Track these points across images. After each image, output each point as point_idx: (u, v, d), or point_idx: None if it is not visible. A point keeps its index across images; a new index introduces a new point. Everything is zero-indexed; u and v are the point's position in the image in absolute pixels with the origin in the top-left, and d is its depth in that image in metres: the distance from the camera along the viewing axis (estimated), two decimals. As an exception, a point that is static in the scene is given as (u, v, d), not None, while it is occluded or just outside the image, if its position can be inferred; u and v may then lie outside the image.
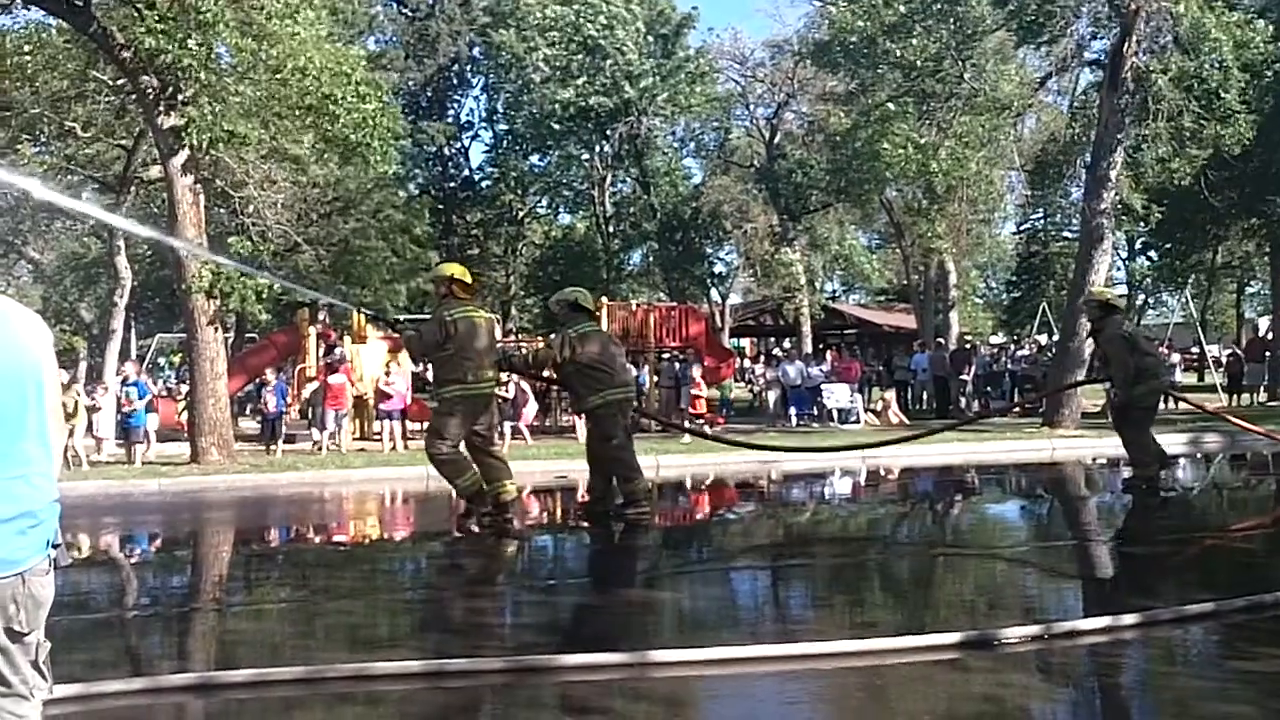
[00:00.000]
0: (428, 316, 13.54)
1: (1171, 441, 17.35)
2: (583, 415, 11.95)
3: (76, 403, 18.28)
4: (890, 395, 26.33)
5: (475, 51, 50.01)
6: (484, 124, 52.58)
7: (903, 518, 12.56)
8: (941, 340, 31.54)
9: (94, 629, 6.83)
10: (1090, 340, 14.12)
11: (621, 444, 10.84)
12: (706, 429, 20.79)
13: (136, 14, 16.07)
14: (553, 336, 12.40)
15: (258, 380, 22.00)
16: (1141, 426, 12.06)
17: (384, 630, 7.00)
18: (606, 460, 10.93)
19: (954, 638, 5.77)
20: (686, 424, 20.58)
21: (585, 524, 11.21)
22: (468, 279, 10.87)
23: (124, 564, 10.12)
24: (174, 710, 5.21)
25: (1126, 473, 12.80)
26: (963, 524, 12.08)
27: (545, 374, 12.98)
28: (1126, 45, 21.60)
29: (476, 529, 10.41)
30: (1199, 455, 18.15)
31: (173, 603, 8.17)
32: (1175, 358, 28.35)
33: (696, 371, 23.20)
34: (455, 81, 52.12)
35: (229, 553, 10.77)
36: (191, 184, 17.41)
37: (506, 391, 21.14)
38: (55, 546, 2.95)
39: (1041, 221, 52.04)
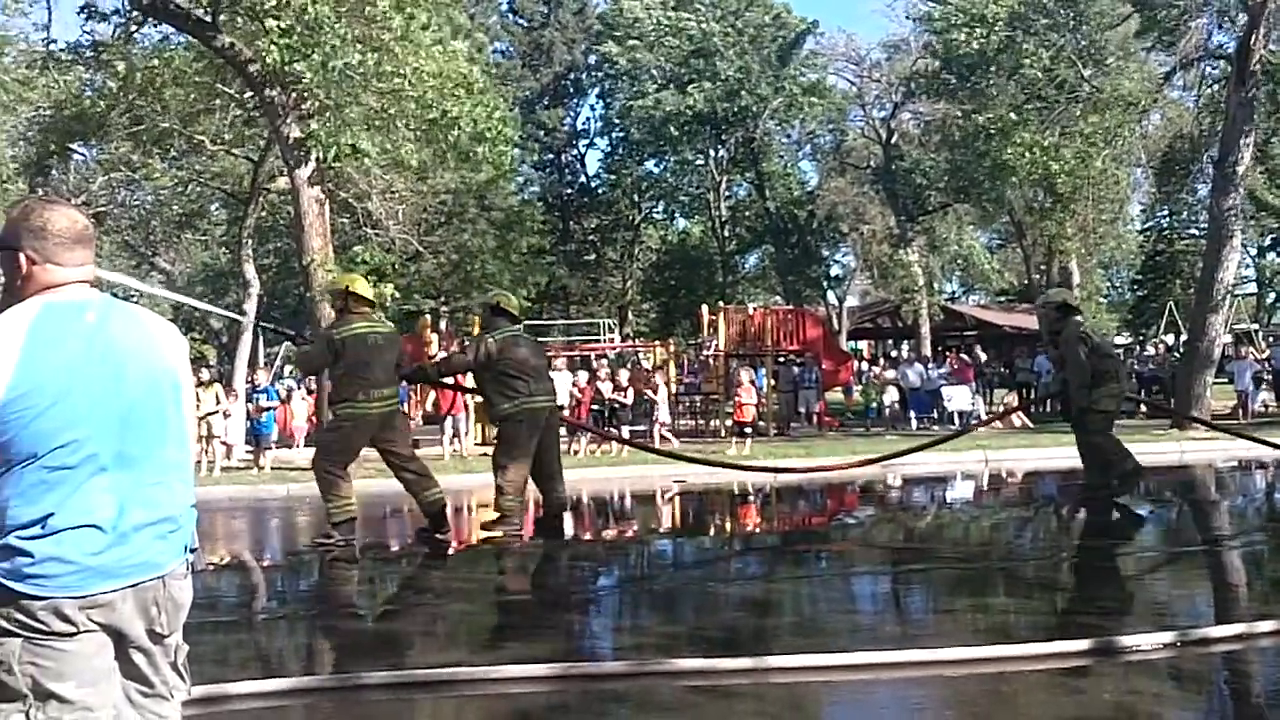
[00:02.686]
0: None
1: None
2: (495, 422, 11.48)
3: (217, 396, 18.87)
4: (1012, 398, 25.90)
5: (590, 59, 50.40)
6: (600, 132, 52.96)
7: (1026, 522, 12.35)
8: (1065, 341, 30.89)
9: (239, 630, 7.03)
10: (1052, 343, 13.28)
11: (515, 455, 10.39)
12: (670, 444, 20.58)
13: (262, 28, 16.48)
14: (468, 341, 12.10)
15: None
16: (1105, 433, 11.53)
17: (497, 632, 7.07)
18: (493, 464, 10.59)
19: (1082, 644, 5.67)
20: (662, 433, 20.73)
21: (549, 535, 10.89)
22: (366, 292, 10.27)
23: (268, 568, 10.37)
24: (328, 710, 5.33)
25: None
26: (1089, 528, 11.83)
27: (458, 381, 12.65)
28: (1254, 38, 21.01)
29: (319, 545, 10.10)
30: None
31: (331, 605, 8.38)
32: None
33: (745, 376, 22.74)
34: (571, 89, 52.57)
35: (356, 556, 10.92)
36: (317, 195, 17.79)
37: (625, 397, 21.23)
38: (193, 551, 3.04)
39: (1168, 219, 50.79)
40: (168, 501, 2.91)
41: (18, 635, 2.64)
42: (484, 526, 10.65)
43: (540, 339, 34.99)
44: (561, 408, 20.04)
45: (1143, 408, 22.72)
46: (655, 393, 21.51)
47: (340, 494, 9.92)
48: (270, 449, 19.29)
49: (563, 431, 20.08)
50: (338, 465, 10.00)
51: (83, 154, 28.74)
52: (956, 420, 23.96)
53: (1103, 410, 11.44)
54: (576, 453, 19.79)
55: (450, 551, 10.51)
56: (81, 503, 2.70)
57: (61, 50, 20.82)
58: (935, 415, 24.69)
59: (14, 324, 2.73)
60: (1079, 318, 12.05)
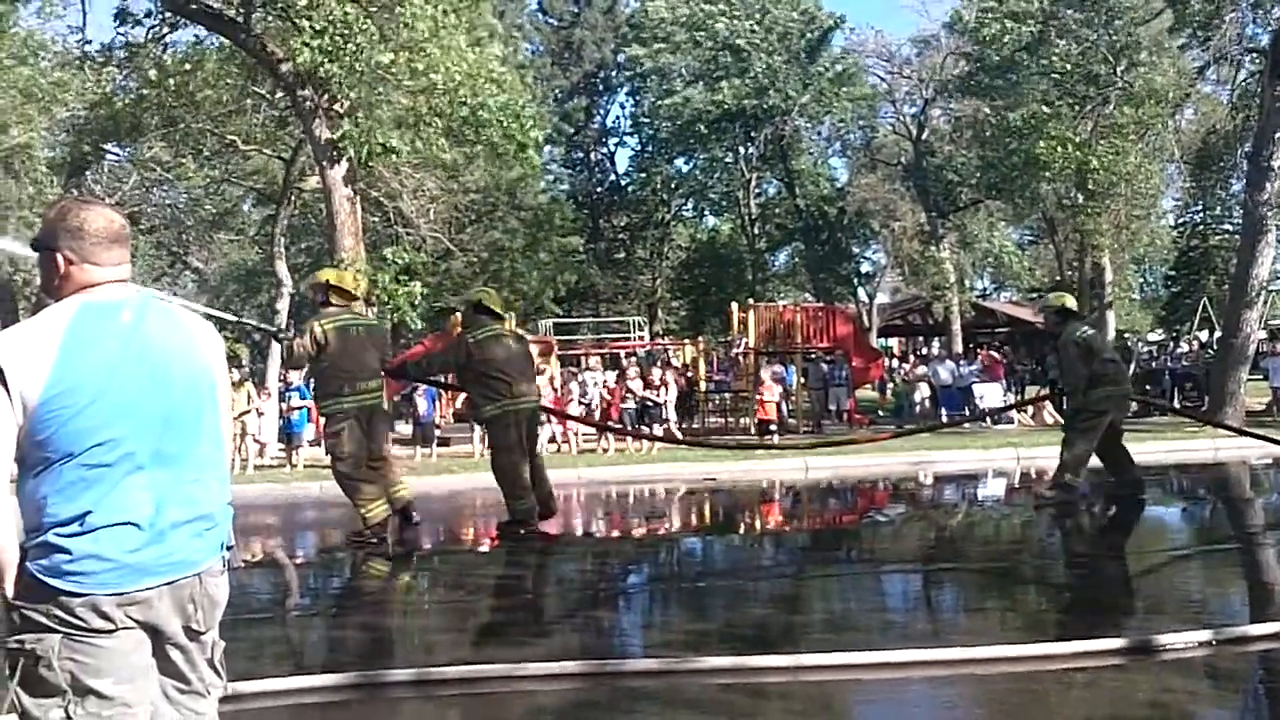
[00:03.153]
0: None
1: None
2: (480, 424, 11.09)
3: (249, 395, 19.01)
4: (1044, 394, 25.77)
5: (620, 58, 50.43)
6: (630, 130, 52.93)
7: (1060, 519, 12.27)
8: (1097, 338, 30.71)
9: (269, 628, 7.09)
10: (1049, 342, 12.91)
11: (513, 458, 10.19)
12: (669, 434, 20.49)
13: (294, 28, 16.57)
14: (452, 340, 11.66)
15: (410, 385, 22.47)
16: (1088, 436, 11.31)
17: (533, 631, 7.07)
18: (494, 472, 10.38)
19: (1116, 642, 5.63)
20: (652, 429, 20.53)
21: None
22: (347, 285, 10.12)
23: (300, 566, 10.42)
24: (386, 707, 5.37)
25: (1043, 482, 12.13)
26: (1122, 526, 11.77)
27: (444, 380, 12.28)
28: (1289, 30, 20.84)
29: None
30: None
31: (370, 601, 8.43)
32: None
33: (768, 375, 22.45)
34: (601, 88, 52.59)
35: (389, 554, 10.94)
36: (349, 194, 17.87)
37: (659, 395, 21.22)
38: (229, 548, 3.06)
39: (1202, 215, 50.38)
40: (205, 499, 2.95)
41: (57, 631, 2.68)
42: (499, 529, 10.51)
43: (570, 337, 35.15)
44: (596, 406, 20.20)
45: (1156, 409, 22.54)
46: (667, 391, 21.48)
47: (367, 496, 9.81)
48: (302, 447, 19.37)
49: (591, 431, 20.29)
50: (354, 467, 9.84)
51: (116, 154, 28.97)
52: (988, 418, 23.86)
53: (1098, 410, 11.29)
54: (606, 450, 19.83)
55: (484, 549, 10.56)
56: (119, 501, 2.73)
57: (96, 52, 21.01)
58: (967, 412, 24.56)
59: (52, 324, 2.77)
60: (1078, 322, 11.92)
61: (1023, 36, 28.22)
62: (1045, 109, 26.94)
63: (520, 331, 11.42)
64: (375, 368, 9.96)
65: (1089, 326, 11.98)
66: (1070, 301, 12.26)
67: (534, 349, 23.10)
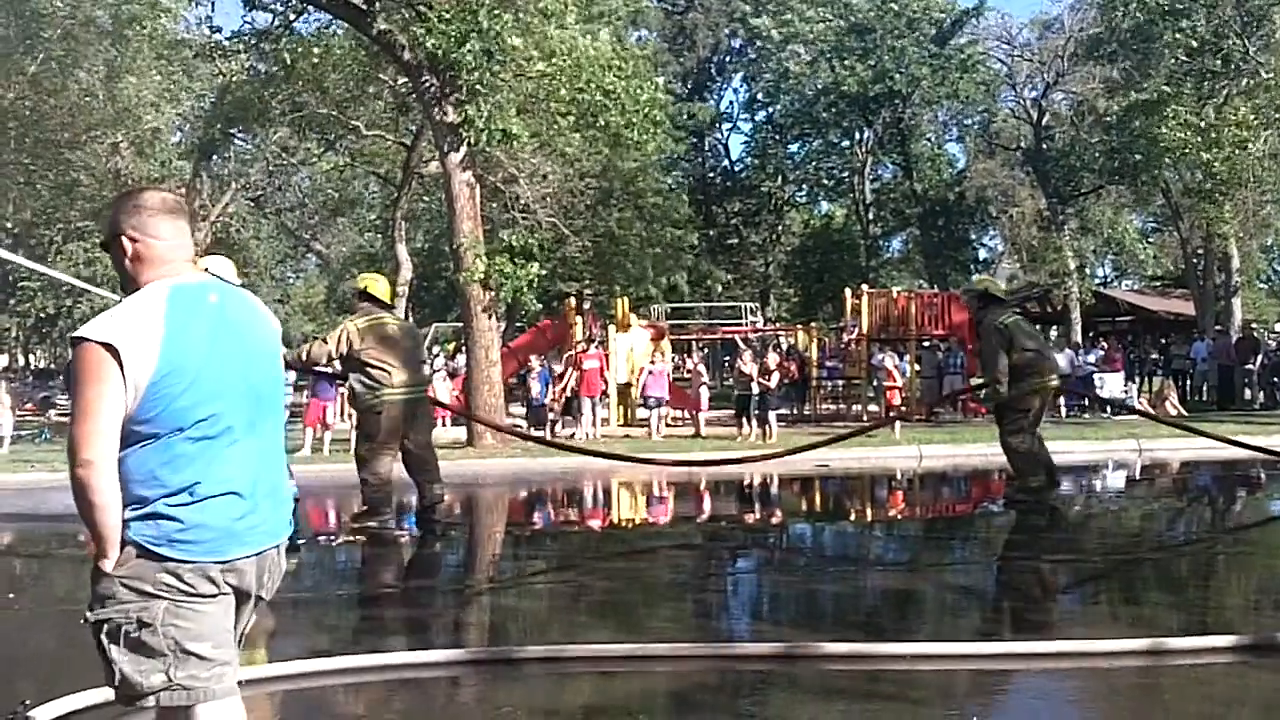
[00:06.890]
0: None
1: None
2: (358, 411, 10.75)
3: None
4: (1169, 385, 25.20)
5: (735, 42, 50.20)
6: (744, 115, 52.68)
7: (1180, 514, 12.07)
8: (1221, 328, 29.98)
9: (407, 602, 7.27)
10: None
11: (379, 450, 9.81)
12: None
13: (417, 15, 16.81)
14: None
15: (524, 367, 22.75)
16: (1023, 435, 10.87)
17: (647, 611, 7.17)
18: (355, 458, 10.04)
19: (1238, 639, 5.52)
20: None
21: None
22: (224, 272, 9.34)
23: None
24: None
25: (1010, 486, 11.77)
26: (1245, 521, 11.53)
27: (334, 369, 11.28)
28: None
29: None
30: None
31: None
32: None
33: (890, 362, 22.21)
34: (714, 73, 52.43)
35: (503, 532, 11.13)
36: (468, 179, 18.11)
37: (769, 380, 21.10)
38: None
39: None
40: (280, 471, 3.18)
41: (163, 599, 2.84)
42: (353, 519, 10.19)
43: (682, 322, 35.18)
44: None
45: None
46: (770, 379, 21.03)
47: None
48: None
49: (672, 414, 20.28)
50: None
51: (243, 140, 29.69)
52: (1107, 408, 23.42)
53: (1023, 409, 10.85)
54: (736, 439, 19.80)
55: (594, 527, 10.68)
56: (223, 471, 2.91)
57: (225, 40, 21.55)
58: (1085, 403, 24.10)
59: (152, 307, 2.91)
60: (1001, 308, 11.38)
61: (1154, 6, 27.43)
62: (1166, 88, 26.26)
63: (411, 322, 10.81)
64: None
65: (1011, 313, 11.51)
66: (994, 286, 11.88)
67: (648, 334, 23.24)
